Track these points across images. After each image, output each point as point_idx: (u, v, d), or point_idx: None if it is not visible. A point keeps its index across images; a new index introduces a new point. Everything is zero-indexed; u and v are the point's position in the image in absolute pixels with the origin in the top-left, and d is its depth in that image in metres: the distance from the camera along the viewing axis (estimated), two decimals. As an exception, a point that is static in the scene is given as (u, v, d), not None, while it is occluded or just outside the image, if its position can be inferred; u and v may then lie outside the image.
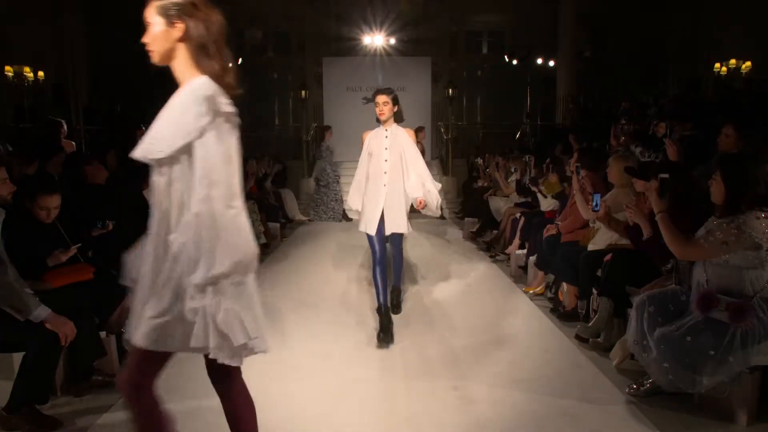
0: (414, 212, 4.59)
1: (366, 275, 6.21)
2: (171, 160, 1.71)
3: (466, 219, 9.00)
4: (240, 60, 14.87)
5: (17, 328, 2.82)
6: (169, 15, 1.75)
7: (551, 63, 14.48)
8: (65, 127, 6.96)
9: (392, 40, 14.05)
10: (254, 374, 3.50)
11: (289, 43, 17.47)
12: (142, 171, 4.89)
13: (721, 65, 12.40)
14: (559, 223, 4.97)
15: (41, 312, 2.84)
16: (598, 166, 4.67)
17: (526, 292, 5.26)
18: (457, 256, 7.14)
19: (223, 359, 1.75)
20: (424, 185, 4.23)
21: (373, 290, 5.52)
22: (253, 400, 3.21)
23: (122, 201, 4.48)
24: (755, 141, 4.40)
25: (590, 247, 4.32)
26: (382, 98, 4.19)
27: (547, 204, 5.75)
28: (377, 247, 4.19)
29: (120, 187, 4.72)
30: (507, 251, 6.51)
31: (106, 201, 4.38)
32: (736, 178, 2.83)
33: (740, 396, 2.80)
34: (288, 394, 3.23)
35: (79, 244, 3.45)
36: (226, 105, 1.75)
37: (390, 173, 4.21)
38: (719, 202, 2.92)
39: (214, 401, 3.14)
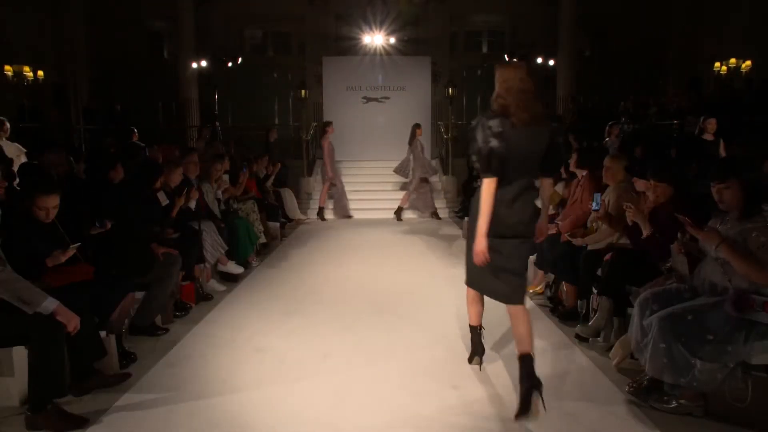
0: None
1: (365, 274, 6.21)
2: None
3: (465, 219, 8.99)
4: (240, 60, 14.90)
5: (17, 322, 2.83)
6: None
7: (551, 62, 14.48)
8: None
9: (392, 40, 14.04)
10: (254, 373, 3.52)
11: (289, 43, 17.48)
12: (155, 171, 4.91)
13: (721, 65, 12.40)
14: (559, 222, 4.97)
15: (50, 303, 2.85)
16: (598, 165, 4.67)
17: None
18: (457, 255, 7.13)
19: None
20: None
21: (372, 290, 5.54)
22: (253, 398, 3.22)
23: (135, 201, 4.47)
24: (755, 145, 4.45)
25: (590, 247, 4.32)
26: None
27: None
28: None
29: (132, 187, 4.69)
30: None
31: (122, 200, 4.38)
32: (752, 181, 2.81)
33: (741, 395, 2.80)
34: (288, 394, 3.23)
35: (78, 244, 3.44)
36: None
37: None
38: (735, 207, 2.88)
39: (215, 400, 3.16)
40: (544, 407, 2.79)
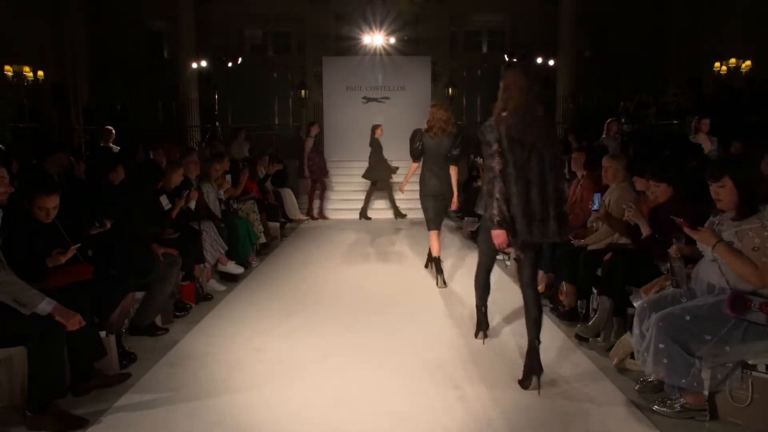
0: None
1: (365, 274, 6.21)
2: None
3: (465, 218, 8.98)
4: (240, 60, 14.91)
5: (17, 322, 2.83)
6: None
7: (551, 62, 14.48)
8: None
9: (392, 40, 14.05)
10: (254, 373, 3.52)
11: (289, 43, 17.49)
12: (156, 174, 4.89)
13: (721, 65, 12.40)
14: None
15: (46, 305, 2.85)
16: (598, 166, 4.67)
17: (526, 292, 5.25)
18: (457, 255, 7.13)
19: None
20: None
21: (372, 290, 5.54)
22: (253, 398, 3.21)
23: (135, 201, 4.46)
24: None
25: (590, 247, 4.32)
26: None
27: None
28: None
29: (132, 188, 4.69)
30: (506, 250, 6.49)
31: (122, 200, 4.37)
32: (747, 180, 2.81)
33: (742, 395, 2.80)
34: (288, 394, 3.23)
35: (79, 245, 3.44)
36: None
37: None
38: (731, 206, 2.86)
39: (215, 400, 3.16)
40: (444, 283, 5.51)
